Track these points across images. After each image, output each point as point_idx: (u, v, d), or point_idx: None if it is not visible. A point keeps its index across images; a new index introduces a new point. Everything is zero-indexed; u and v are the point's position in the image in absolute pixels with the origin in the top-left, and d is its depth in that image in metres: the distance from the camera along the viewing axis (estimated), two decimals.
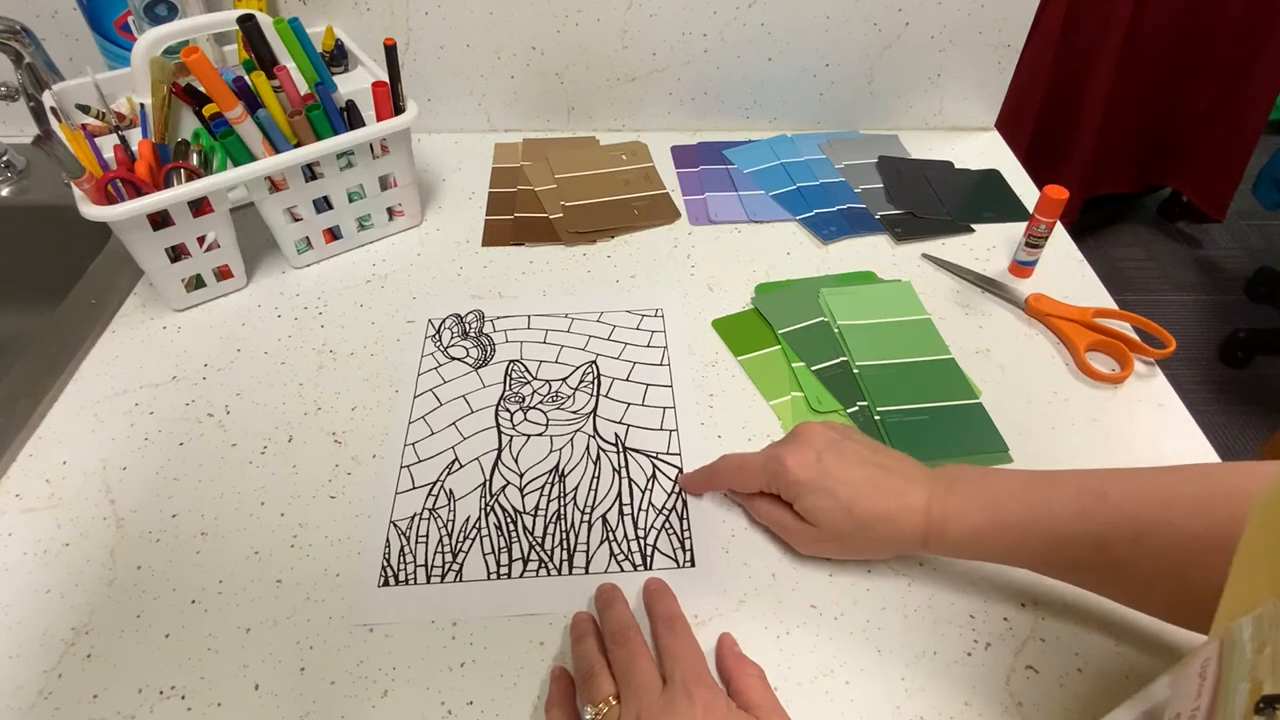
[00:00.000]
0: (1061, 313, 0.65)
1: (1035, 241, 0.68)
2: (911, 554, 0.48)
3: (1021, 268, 0.70)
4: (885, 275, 0.70)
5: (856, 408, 0.59)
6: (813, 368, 0.61)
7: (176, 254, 0.64)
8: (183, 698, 0.43)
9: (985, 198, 0.80)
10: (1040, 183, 0.74)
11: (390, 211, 0.72)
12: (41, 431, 0.57)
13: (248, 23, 0.60)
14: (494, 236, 0.74)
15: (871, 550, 0.47)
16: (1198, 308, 1.95)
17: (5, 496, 0.52)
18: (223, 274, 0.66)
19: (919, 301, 0.67)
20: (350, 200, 0.69)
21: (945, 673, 0.44)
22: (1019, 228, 0.74)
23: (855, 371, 0.61)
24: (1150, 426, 0.58)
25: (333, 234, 0.71)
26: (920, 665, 0.45)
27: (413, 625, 0.46)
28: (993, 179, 0.82)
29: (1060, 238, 0.74)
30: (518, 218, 0.76)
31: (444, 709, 0.43)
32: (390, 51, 0.64)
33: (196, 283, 0.66)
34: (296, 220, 0.68)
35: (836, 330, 0.64)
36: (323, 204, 0.68)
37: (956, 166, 0.84)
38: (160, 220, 0.61)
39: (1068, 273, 0.71)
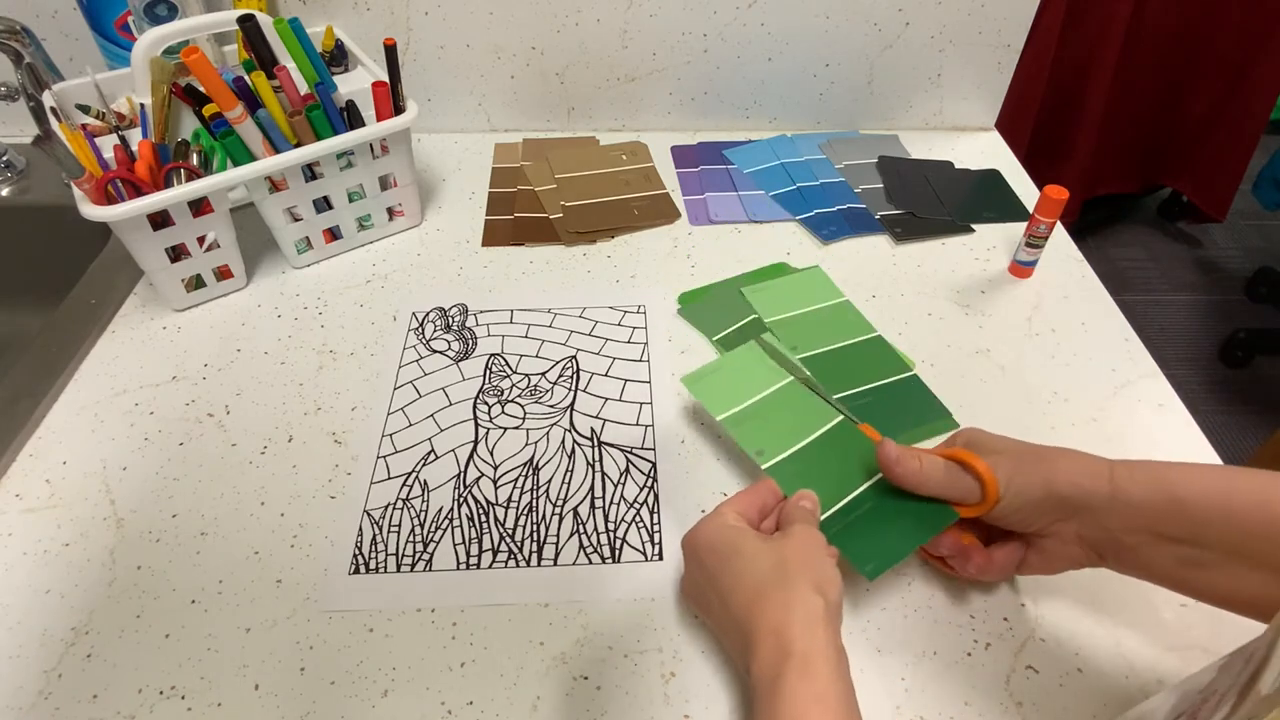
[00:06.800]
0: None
1: (1035, 241, 0.68)
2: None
3: (1021, 268, 0.70)
4: (885, 275, 0.70)
5: None
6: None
7: (176, 254, 0.64)
8: (183, 698, 0.43)
9: (985, 198, 0.80)
10: (1040, 183, 0.74)
11: (390, 211, 0.72)
12: (41, 431, 0.57)
13: (248, 23, 0.60)
14: (494, 236, 0.74)
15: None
16: (1198, 308, 1.95)
17: (5, 496, 0.52)
18: (223, 274, 0.66)
19: (834, 285, 0.69)
20: (350, 200, 0.69)
21: (945, 673, 0.44)
22: (1019, 228, 0.74)
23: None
24: (1150, 426, 0.58)
25: (333, 234, 0.71)
26: (920, 665, 0.45)
27: (412, 625, 0.46)
28: (993, 179, 0.82)
29: (1060, 238, 0.74)
30: (518, 218, 0.76)
31: (444, 709, 0.43)
32: (390, 51, 0.65)
33: (196, 283, 0.66)
34: (296, 220, 0.68)
35: (768, 326, 0.64)
36: (323, 204, 0.68)
37: (956, 166, 0.84)
38: (160, 220, 0.61)
39: (1068, 273, 0.71)
